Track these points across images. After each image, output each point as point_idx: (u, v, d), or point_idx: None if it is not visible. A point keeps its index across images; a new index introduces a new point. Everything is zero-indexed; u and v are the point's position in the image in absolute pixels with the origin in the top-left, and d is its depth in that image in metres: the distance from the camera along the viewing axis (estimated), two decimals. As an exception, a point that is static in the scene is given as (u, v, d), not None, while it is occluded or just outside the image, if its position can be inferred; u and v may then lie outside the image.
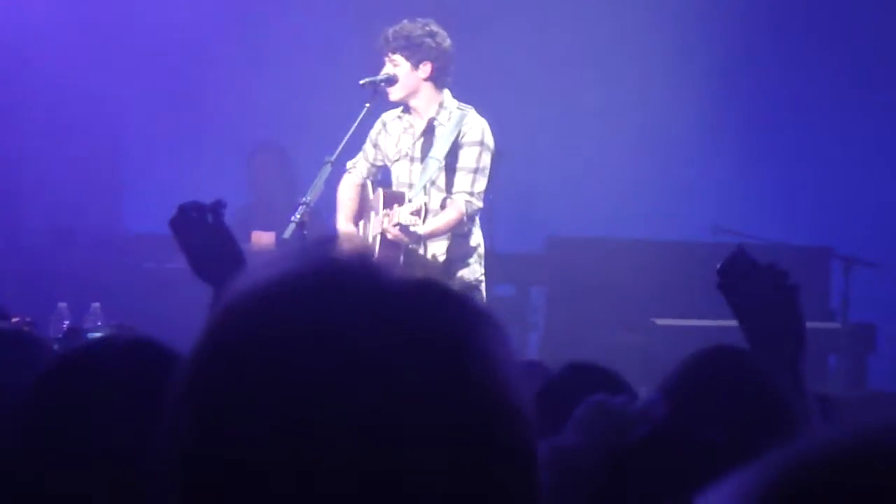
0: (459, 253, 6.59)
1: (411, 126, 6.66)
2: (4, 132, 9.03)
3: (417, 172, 6.60)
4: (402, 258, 6.31)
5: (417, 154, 6.64)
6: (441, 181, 6.57)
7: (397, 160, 6.68)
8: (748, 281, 2.61)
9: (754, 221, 8.83)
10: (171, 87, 9.27)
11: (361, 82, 6.55)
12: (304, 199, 6.39)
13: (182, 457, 1.09)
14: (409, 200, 6.43)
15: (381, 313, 1.09)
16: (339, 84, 7.50)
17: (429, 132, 6.62)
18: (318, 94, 8.45)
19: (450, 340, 1.10)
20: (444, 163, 6.55)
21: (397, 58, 6.53)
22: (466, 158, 6.55)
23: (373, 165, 6.79)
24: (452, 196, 6.48)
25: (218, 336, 1.12)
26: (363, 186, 6.81)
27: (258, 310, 1.11)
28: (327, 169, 6.51)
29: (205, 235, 2.94)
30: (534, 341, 8.81)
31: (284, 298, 1.10)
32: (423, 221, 6.25)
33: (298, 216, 6.34)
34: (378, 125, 6.76)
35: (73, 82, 8.92)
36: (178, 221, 2.96)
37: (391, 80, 6.52)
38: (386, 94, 6.57)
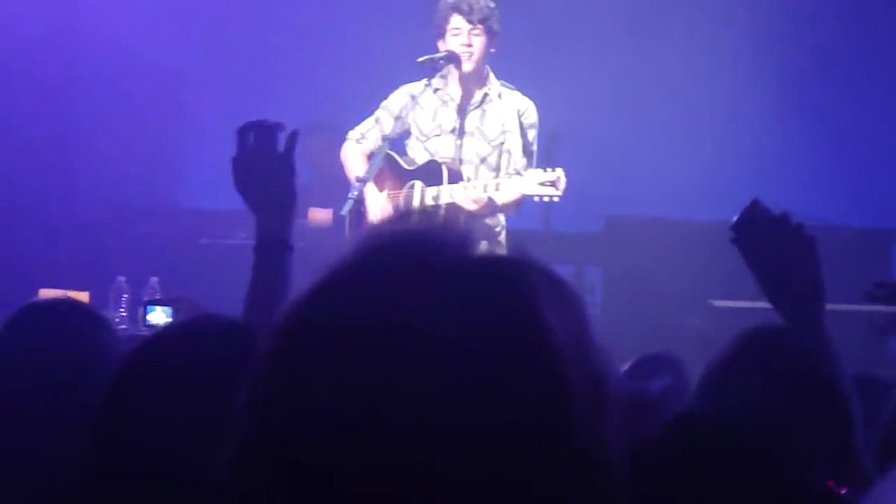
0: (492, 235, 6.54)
1: (452, 99, 6.54)
2: (61, 106, 9.08)
3: (467, 148, 6.51)
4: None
5: (467, 129, 6.53)
6: (493, 159, 6.50)
7: (437, 135, 6.56)
8: (764, 235, 2.55)
9: (816, 203, 8.74)
10: (228, 63, 9.29)
11: (420, 60, 6.49)
12: (362, 176, 6.38)
13: (260, 431, 1.09)
14: (468, 178, 6.39)
15: (459, 291, 1.08)
16: (393, 62, 7.47)
17: (476, 107, 6.53)
18: (374, 72, 8.42)
19: (529, 319, 1.08)
20: (497, 141, 6.49)
21: (480, 28, 6.44)
22: (528, 139, 6.50)
23: (384, 137, 6.58)
24: (521, 172, 6.37)
25: (302, 319, 1.11)
26: (388, 158, 6.61)
27: (343, 294, 1.10)
28: (385, 147, 6.48)
29: (268, 157, 2.82)
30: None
31: (365, 283, 1.10)
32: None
33: (356, 193, 6.32)
34: (404, 98, 6.61)
35: (131, 55, 8.95)
36: (249, 130, 2.85)
37: (451, 57, 6.46)
38: (441, 70, 6.50)
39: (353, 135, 6.77)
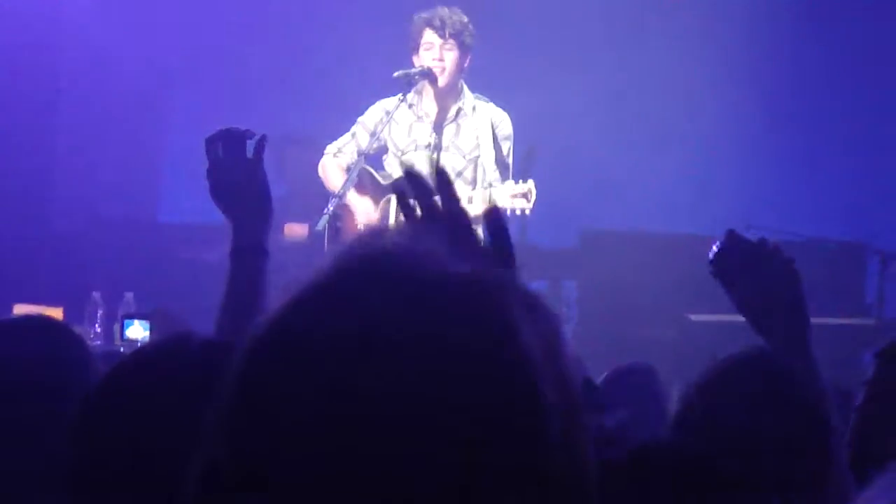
0: None
1: (427, 115, 6.55)
2: (39, 118, 9.05)
3: (443, 163, 6.52)
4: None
5: (443, 144, 6.55)
6: (468, 173, 6.51)
7: (413, 150, 6.57)
8: (743, 264, 2.54)
9: (789, 217, 8.77)
10: (207, 78, 9.28)
11: (395, 75, 6.49)
12: (337, 192, 6.38)
13: (229, 449, 1.08)
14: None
15: (435, 306, 1.09)
16: (369, 77, 7.48)
17: (450, 122, 6.54)
18: (350, 87, 8.43)
19: (503, 333, 1.09)
20: (472, 154, 6.50)
21: (452, 43, 6.44)
22: (503, 152, 6.51)
23: (360, 153, 6.60)
24: (493, 184, 6.37)
25: (276, 331, 1.11)
26: (367, 173, 6.61)
27: (318, 307, 1.10)
28: (360, 162, 6.49)
29: (238, 165, 2.85)
30: (566, 334, 8.77)
31: (341, 296, 1.10)
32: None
33: (331, 208, 6.32)
34: (378, 113, 6.61)
35: (111, 68, 8.94)
36: (217, 140, 2.87)
37: (426, 73, 6.47)
38: (416, 85, 6.50)
39: (330, 149, 6.79)
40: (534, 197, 6.08)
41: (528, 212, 6.13)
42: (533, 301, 1.15)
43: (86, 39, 8.95)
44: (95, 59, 8.94)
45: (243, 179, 2.84)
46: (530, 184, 6.10)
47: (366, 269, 1.11)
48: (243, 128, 2.90)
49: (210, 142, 2.88)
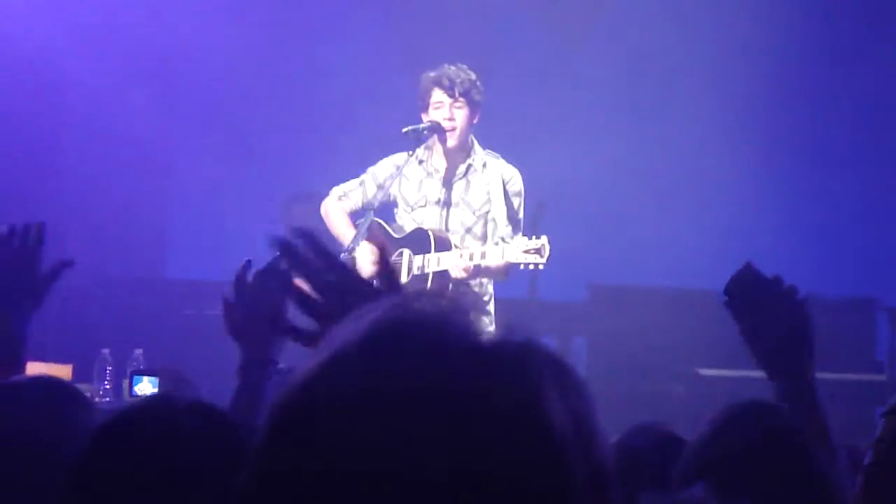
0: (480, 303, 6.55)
1: (437, 171, 6.56)
2: (47, 175, 9.08)
3: (452, 218, 6.52)
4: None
5: (452, 199, 6.55)
6: (478, 229, 6.51)
7: (423, 206, 6.58)
8: (756, 298, 2.53)
9: (799, 273, 8.74)
10: (214, 136, 9.32)
11: (404, 131, 6.49)
12: (347, 246, 6.38)
13: None
14: (456, 246, 6.40)
15: (463, 377, 1.09)
16: (376, 133, 7.50)
17: (460, 178, 6.55)
18: (356, 142, 8.46)
19: (530, 405, 1.09)
20: (482, 210, 6.50)
21: (462, 102, 6.45)
22: (514, 208, 6.51)
23: (366, 203, 6.62)
24: (506, 240, 6.37)
25: (309, 395, 1.11)
26: (378, 226, 6.62)
27: (351, 371, 1.10)
28: (371, 215, 6.49)
29: (263, 305, 2.75)
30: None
31: (373, 362, 1.10)
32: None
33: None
34: (389, 168, 6.62)
35: (117, 126, 8.98)
36: (246, 280, 2.77)
37: (435, 128, 6.48)
38: (426, 141, 6.51)
39: (336, 191, 6.78)
40: (547, 252, 6.07)
41: (541, 267, 6.12)
42: (564, 371, 1.15)
43: (90, 98, 9.00)
44: (100, 117, 8.98)
45: (265, 316, 2.75)
46: (543, 239, 6.10)
47: (398, 335, 1.12)
48: (273, 264, 2.74)
49: (240, 279, 2.78)
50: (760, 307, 2.53)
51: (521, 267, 6.15)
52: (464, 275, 6.27)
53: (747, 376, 7.67)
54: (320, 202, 6.95)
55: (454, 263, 6.26)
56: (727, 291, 2.56)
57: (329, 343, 1.13)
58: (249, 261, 2.82)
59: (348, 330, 1.13)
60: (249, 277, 2.81)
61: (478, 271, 6.28)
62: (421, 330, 1.12)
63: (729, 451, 2.23)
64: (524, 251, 6.08)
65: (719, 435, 2.28)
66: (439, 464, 1.05)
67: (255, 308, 2.78)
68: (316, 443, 1.08)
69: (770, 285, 2.54)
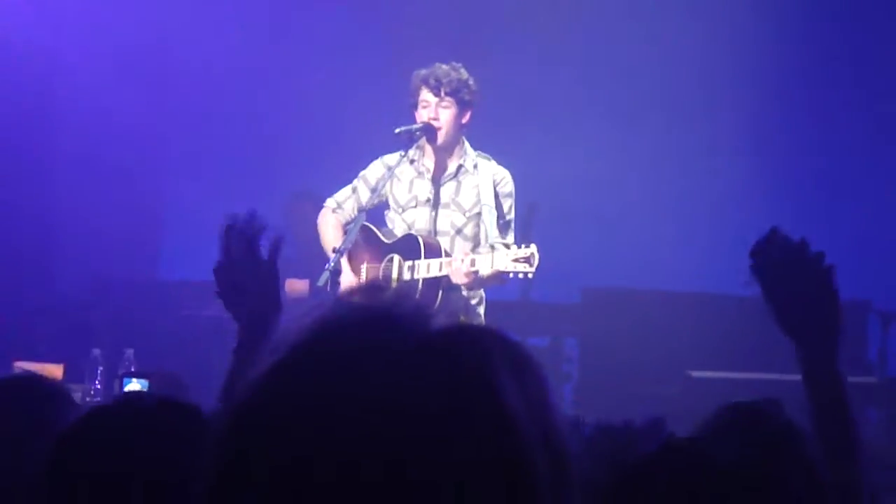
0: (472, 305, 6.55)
1: (428, 171, 6.54)
2: (41, 177, 9.08)
3: (442, 219, 6.51)
4: (439, 301, 6.28)
5: (442, 200, 6.53)
6: (469, 230, 6.49)
7: (413, 207, 6.56)
8: (782, 262, 2.49)
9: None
10: (210, 137, 9.32)
11: (397, 131, 6.48)
12: (337, 247, 6.39)
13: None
14: (448, 252, 6.38)
15: (414, 370, 1.09)
16: (371, 133, 7.51)
17: (450, 178, 6.54)
18: (352, 143, 8.47)
19: (484, 393, 1.09)
20: (473, 211, 6.49)
21: (449, 101, 6.42)
22: (504, 210, 6.50)
23: (360, 209, 6.61)
24: (496, 246, 6.37)
25: (260, 400, 1.11)
26: (369, 230, 6.61)
27: (300, 373, 1.11)
28: (361, 219, 6.49)
29: (251, 266, 2.73)
30: (568, 393, 8.76)
31: (325, 358, 1.10)
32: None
33: (332, 265, 6.33)
34: (380, 169, 6.61)
35: (112, 128, 8.98)
36: (231, 235, 2.73)
37: (427, 129, 6.47)
38: (418, 141, 6.50)
39: (329, 203, 6.78)
40: (536, 261, 6.06)
41: (530, 276, 6.11)
42: (517, 354, 1.14)
43: (84, 100, 9.00)
44: (95, 119, 8.97)
45: (255, 281, 2.71)
46: (533, 248, 6.09)
47: (343, 334, 1.11)
48: (258, 223, 2.73)
49: (226, 234, 2.73)
50: (786, 273, 2.49)
51: (511, 276, 6.15)
52: (465, 280, 6.22)
53: (739, 378, 7.69)
54: (315, 204, 6.96)
55: (457, 270, 6.22)
56: (752, 253, 2.51)
57: (275, 346, 1.13)
58: (234, 216, 2.77)
59: (293, 331, 1.13)
60: (235, 238, 2.75)
61: (478, 279, 6.26)
62: (366, 326, 1.11)
63: (722, 449, 2.23)
64: (513, 260, 6.07)
65: (715, 440, 2.27)
66: (395, 462, 1.05)
67: (245, 275, 2.72)
68: (268, 451, 1.07)
69: (797, 249, 2.51)
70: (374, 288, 1.18)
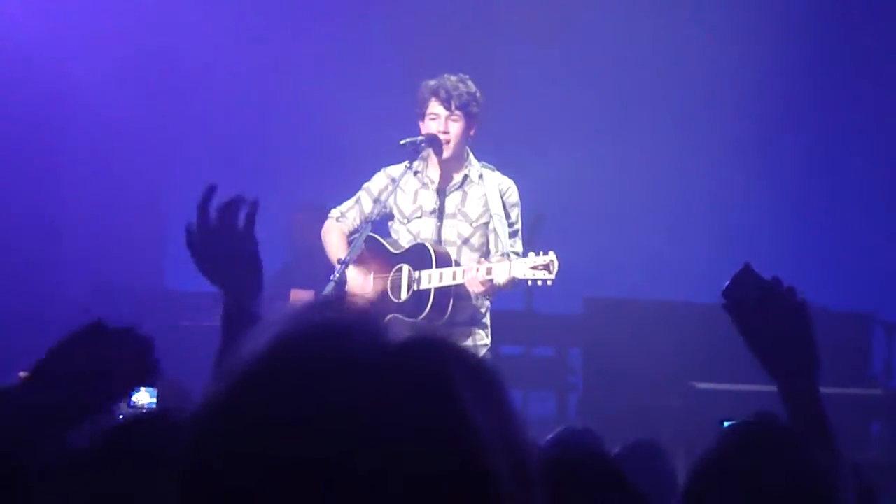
0: (478, 316, 6.54)
1: (432, 182, 6.53)
2: (46, 188, 9.10)
3: (447, 229, 6.50)
4: (449, 311, 6.28)
5: (447, 210, 6.53)
6: (476, 240, 6.49)
7: (418, 217, 6.57)
8: (755, 300, 2.51)
9: (796, 287, 8.75)
10: (215, 147, 9.33)
11: (402, 142, 6.48)
12: (342, 258, 6.38)
13: None
14: (457, 262, 6.37)
15: (372, 384, 1.09)
16: (376, 143, 7.51)
17: (456, 189, 6.53)
18: (357, 153, 8.48)
19: (443, 405, 1.09)
20: (480, 221, 6.49)
21: (458, 115, 6.42)
22: (512, 219, 6.50)
23: (364, 219, 6.61)
24: (510, 255, 6.35)
25: (218, 418, 1.11)
26: (374, 240, 6.61)
27: (259, 389, 1.11)
28: (367, 229, 6.49)
29: (227, 235, 2.71)
30: (572, 403, 8.76)
31: (280, 379, 1.10)
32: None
33: (337, 275, 6.32)
34: (384, 180, 6.60)
35: (118, 137, 8.99)
36: (207, 208, 2.71)
37: (432, 140, 6.47)
38: (422, 152, 6.49)
39: (333, 213, 6.78)
40: (556, 268, 6.03)
41: (549, 283, 6.09)
42: (475, 366, 1.14)
43: (91, 109, 9.01)
44: (101, 127, 8.99)
45: (233, 249, 2.71)
46: (552, 255, 6.06)
47: (301, 350, 1.11)
48: (234, 195, 2.72)
49: (201, 207, 2.72)
50: (759, 308, 2.51)
51: (529, 283, 6.13)
52: (481, 289, 6.21)
53: (743, 390, 7.67)
54: (321, 213, 6.96)
55: (474, 278, 6.20)
56: (725, 293, 2.53)
57: (233, 363, 1.13)
58: (213, 186, 2.75)
59: (250, 347, 1.13)
60: (212, 206, 2.73)
61: (494, 288, 6.24)
62: (324, 341, 1.11)
63: (732, 475, 2.22)
64: (532, 267, 6.04)
65: (721, 459, 2.26)
66: (353, 481, 1.05)
67: (223, 245, 2.72)
68: (230, 469, 1.08)
69: (769, 287, 2.53)
70: (328, 303, 1.17)
